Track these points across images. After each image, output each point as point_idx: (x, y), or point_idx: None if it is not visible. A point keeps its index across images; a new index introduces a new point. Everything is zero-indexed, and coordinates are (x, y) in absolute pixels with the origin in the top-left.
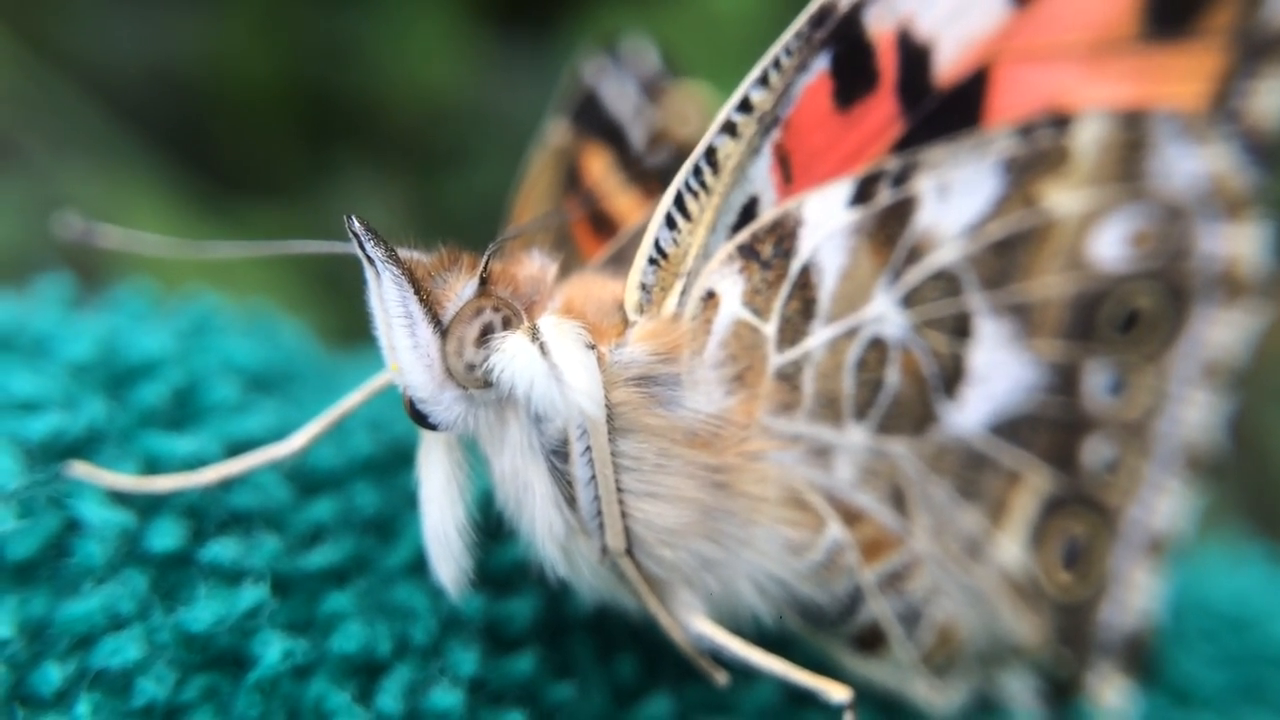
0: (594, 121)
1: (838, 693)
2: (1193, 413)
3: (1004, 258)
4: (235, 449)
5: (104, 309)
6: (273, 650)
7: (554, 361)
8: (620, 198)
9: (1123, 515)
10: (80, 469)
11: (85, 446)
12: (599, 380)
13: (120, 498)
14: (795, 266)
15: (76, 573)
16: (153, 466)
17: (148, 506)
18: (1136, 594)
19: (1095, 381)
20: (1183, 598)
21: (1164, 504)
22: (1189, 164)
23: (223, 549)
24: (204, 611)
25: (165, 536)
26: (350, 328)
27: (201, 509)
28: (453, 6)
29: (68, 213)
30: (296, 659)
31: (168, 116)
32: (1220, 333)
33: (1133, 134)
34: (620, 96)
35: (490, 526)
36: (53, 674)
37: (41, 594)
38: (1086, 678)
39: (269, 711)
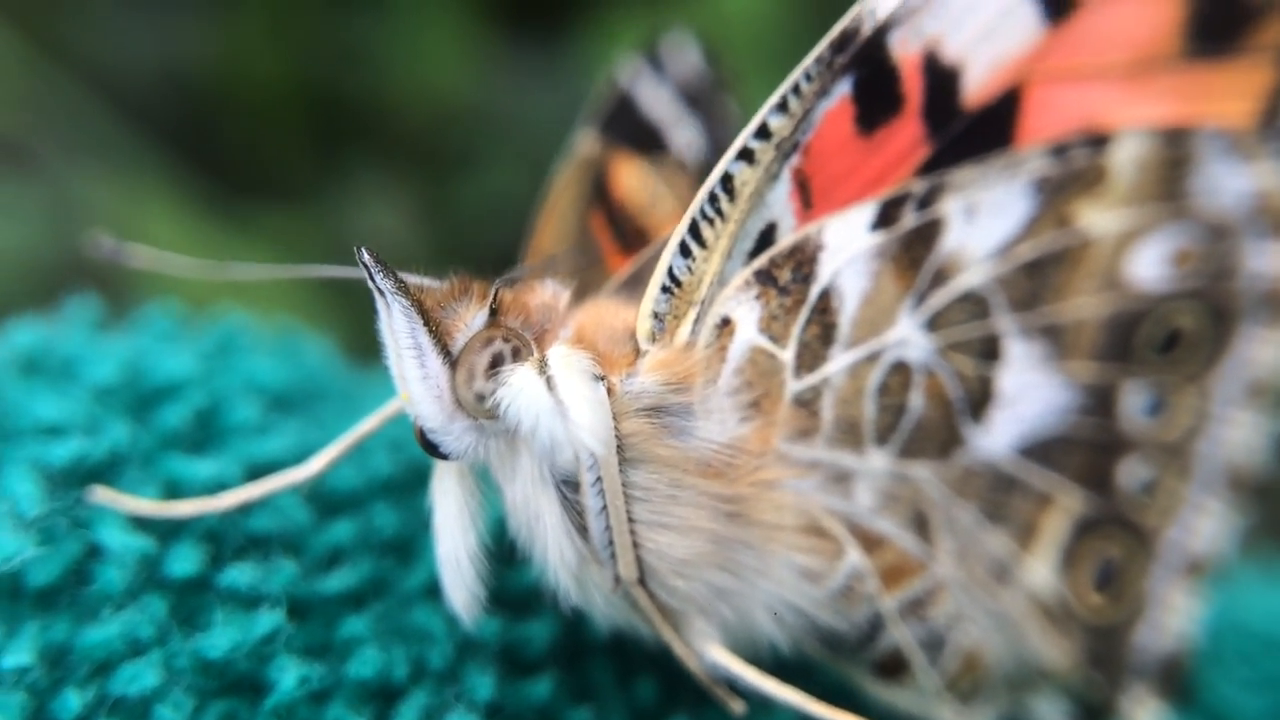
0: (626, 129)
1: None
2: (1236, 433)
3: (1035, 279)
4: (256, 471)
5: (131, 328)
6: (289, 676)
7: (560, 397)
8: (655, 212)
9: (1160, 537)
10: (102, 494)
11: (108, 470)
12: (606, 416)
13: (141, 523)
14: (814, 292)
15: (97, 599)
16: (174, 490)
17: (168, 531)
18: (1173, 616)
19: (1133, 403)
20: (1219, 619)
21: (1204, 525)
22: (1235, 181)
23: (240, 574)
24: (221, 638)
25: (185, 562)
26: (368, 343)
27: (221, 533)
28: (462, 9)
29: (97, 232)
30: (313, 684)
31: (179, 120)
32: (1266, 352)
33: (1175, 152)
34: (657, 100)
35: (506, 551)
36: (72, 701)
37: (63, 620)
38: (1119, 701)
39: None
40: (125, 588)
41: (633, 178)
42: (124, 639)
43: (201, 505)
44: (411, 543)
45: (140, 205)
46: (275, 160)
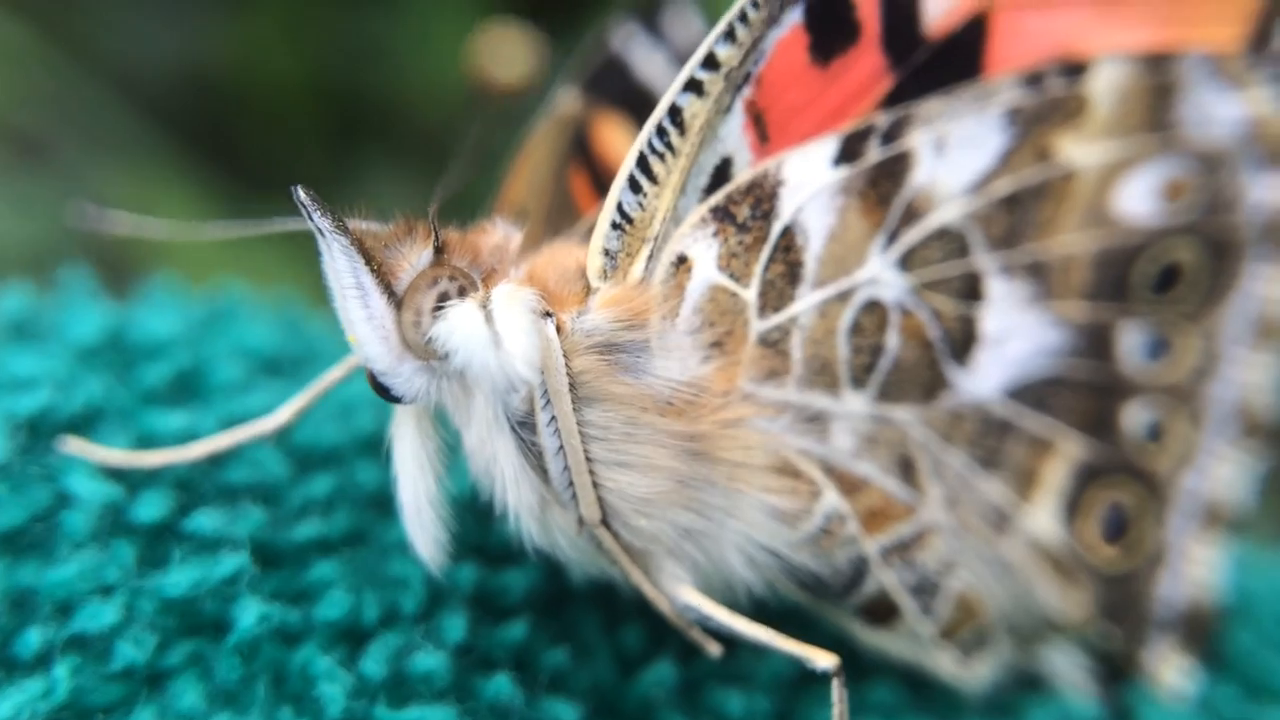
0: (614, 89)
1: (823, 660)
2: (1248, 374)
3: (1015, 215)
4: (233, 426)
5: (132, 300)
6: (249, 614)
7: (495, 329)
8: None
9: (1175, 484)
10: (73, 444)
11: (83, 423)
12: (543, 344)
13: (113, 472)
14: (776, 229)
15: (61, 542)
16: (149, 442)
17: (140, 481)
18: (1195, 567)
19: (1131, 344)
20: (1257, 583)
21: (1221, 471)
22: (1226, 109)
23: (206, 519)
24: (180, 576)
25: (151, 508)
26: None
27: (194, 483)
28: (477, 6)
29: (80, 202)
30: (275, 623)
31: (195, 117)
32: (1275, 288)
33: (1158, 79)
34: (651, 64)
35: (489, 502)
36: (33, 638)
37: (29, 564)
38: (1142, 656)
39: (253, 675)
40: (88, 531)
41: (617, 135)
42: (88, 579)
43: (170, 455)
44: (394, 498)
45: (156, 200)
46: (290, 156)
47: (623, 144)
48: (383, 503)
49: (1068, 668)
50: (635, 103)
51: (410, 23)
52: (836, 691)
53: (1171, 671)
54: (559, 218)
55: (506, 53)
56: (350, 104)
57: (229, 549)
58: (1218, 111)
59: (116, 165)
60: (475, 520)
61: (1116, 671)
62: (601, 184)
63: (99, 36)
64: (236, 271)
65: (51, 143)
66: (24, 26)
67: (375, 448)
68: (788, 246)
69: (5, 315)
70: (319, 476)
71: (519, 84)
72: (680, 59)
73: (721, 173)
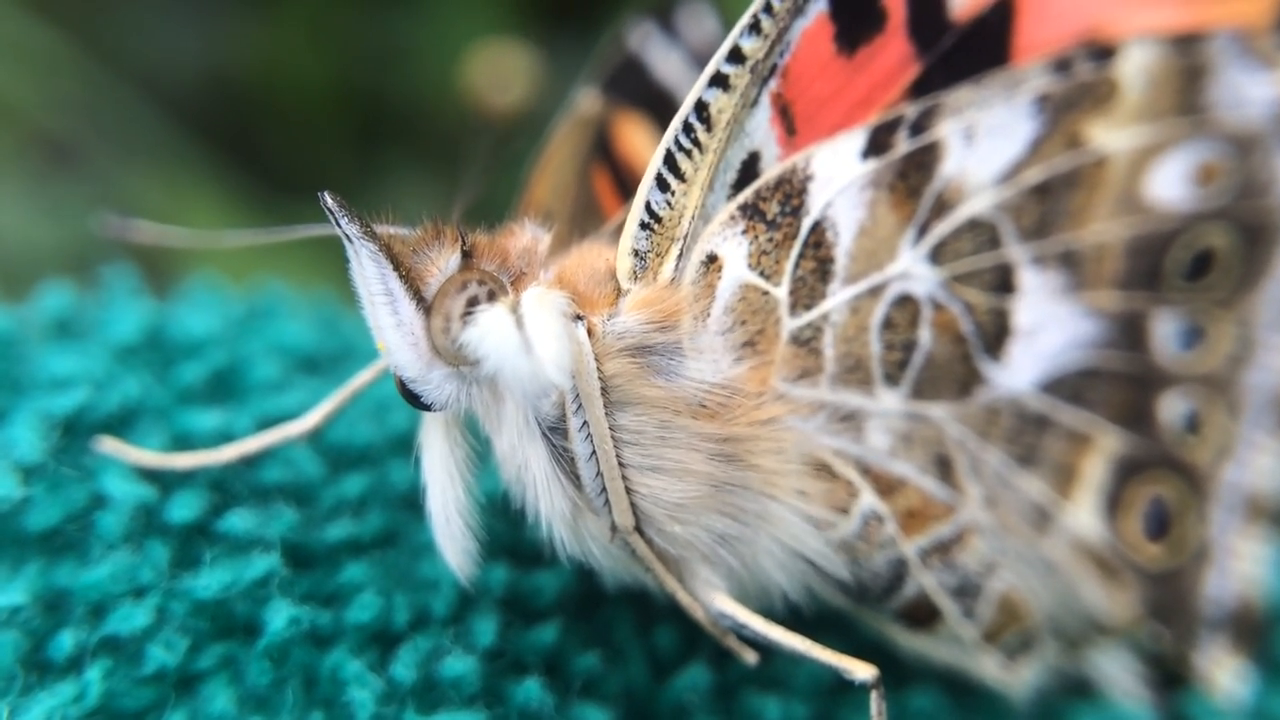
0: (634, 89)
1: (862, 671)
2: None
3: (1046, 204)
4: (268, 425)
5: (170, 300)
6: (280, 617)
7: (526, 334)
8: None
9: (1216, 477)
10: (108, 444)
11: (119, 422)
12: (575, 349)
13: (148, 473)
14: (806, 225)
15: (95, 543)
16: (185, 442)
17: (174, 481)
18: (1241, 562)
19: (1165, 333)
20: None
21: (1261, 462)
22: (1259, 90)
23: (238, 520)
24: (212, 578)
25: (184, 508)
26: None
27: (227, 483)
28: (500, 9)
29: (106, 212)
30: (305, 626)
31: (222, 120)
32: None
33: (1188, 60)
34: (668, 63)
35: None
36: (66, 640)
37: (65, 564)
38: (1194, 659)
39: (283, 679)
40: (123, 532)
41: (638, 135)
42: (121, 581)
43: (202, 458)
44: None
45: (185, 203)
46: (314, 159)
47: (643, 143)
48: (414, 503)
49: (1117, 672)
50: (654, 102)
51: (433, 26)
52: (875, 704)
53: (1224, 674)
54: (583, 219)
55: (502, 75)
56: (374, 107)
57: (260, 550)
58: (1249, 92)
59: (145, 170)
60: (506, 521)
61: (1170, 676)
62: (624, 184)
63: (126, 41)
64: (265, 273)
65: (81, 148)
66: (54, 32)
67: (408, 447)
68: (818, 242)
69: (47, 314)
70: (352, 476)
71: (514, 106)
72: (695, 57)
73: (749, 168)
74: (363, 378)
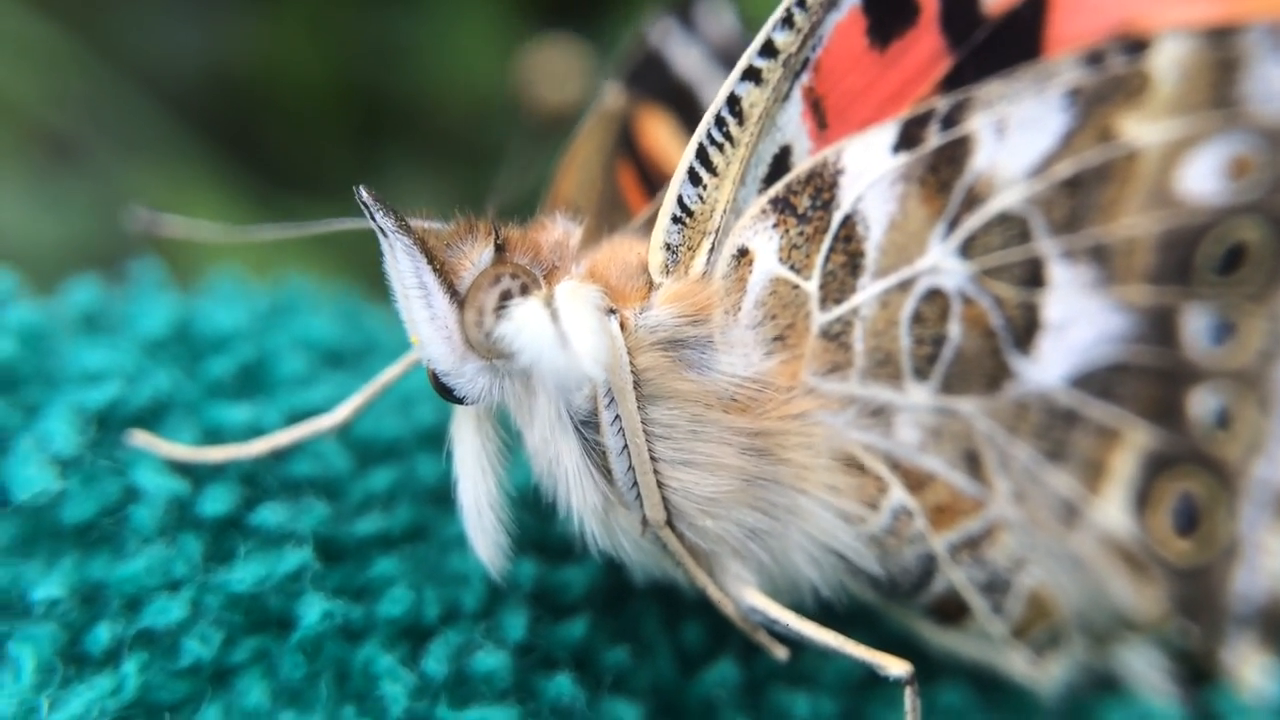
0: (655, 84)
1: (895, 667)
2: None
3: (1077, 198)
4: (296, 419)
5: (195, 293)
6: (313, 611)
7: (562, 328)
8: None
9: (1246, 473)
10: (140, 438)
11: (151, 416)
12: (610, 343)
13: (180, 466)
14: (836, 218)
15: (130, 537)
16: (215, 435)
17: (206, 474)
18: (1270, 559)
19: (1195, 327)
20: None
21: None
22: None
23: (270, 513)
24: (245, 572)
25: (217, 502)
26: None
27: (258, 477)
28: (500, 5)
29: (134, 206)
30: (338, 620)
31: (224, 116)
32: None
33: (1222, 53)
34: (688, 59)
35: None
36: (103, 634)
37: (100, 557)
38: (1222, 655)
39: (317, 673)
40: (157, 526)
41: (661, 129)
42: (156, 575)
43: (233, 451)
44: (454, 491)
45: (187, 199)
46: (317, 155)
47: (667, 138)
48: (442, 497)
49: (1145, 668)
50: (675, 98)
51: (434, 22)
52: (910, 700)
53: (1252, 671)
54: (610, 213)
55: (556, 72)
56: (375, 102)
57: (293, 544)
58: None
59: (146, 165)
60: (534, 515)
61: (1198, 673)
62: (648, 179)
63: (127, 37)
64: (278, 268)
65: (82, 144)
66: (55, 27)
67: (436, 440)
68: (848, 236)
69: (76, 308)
70: (380, 470)
71: (569, 103)
72: (714, 52)
73: (780, 162)
74: (392, 372)
